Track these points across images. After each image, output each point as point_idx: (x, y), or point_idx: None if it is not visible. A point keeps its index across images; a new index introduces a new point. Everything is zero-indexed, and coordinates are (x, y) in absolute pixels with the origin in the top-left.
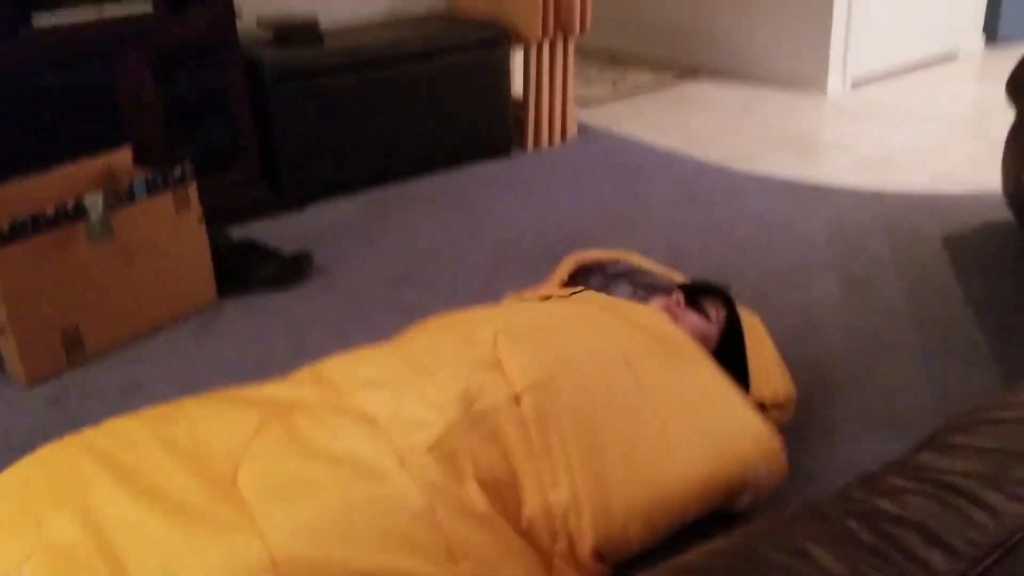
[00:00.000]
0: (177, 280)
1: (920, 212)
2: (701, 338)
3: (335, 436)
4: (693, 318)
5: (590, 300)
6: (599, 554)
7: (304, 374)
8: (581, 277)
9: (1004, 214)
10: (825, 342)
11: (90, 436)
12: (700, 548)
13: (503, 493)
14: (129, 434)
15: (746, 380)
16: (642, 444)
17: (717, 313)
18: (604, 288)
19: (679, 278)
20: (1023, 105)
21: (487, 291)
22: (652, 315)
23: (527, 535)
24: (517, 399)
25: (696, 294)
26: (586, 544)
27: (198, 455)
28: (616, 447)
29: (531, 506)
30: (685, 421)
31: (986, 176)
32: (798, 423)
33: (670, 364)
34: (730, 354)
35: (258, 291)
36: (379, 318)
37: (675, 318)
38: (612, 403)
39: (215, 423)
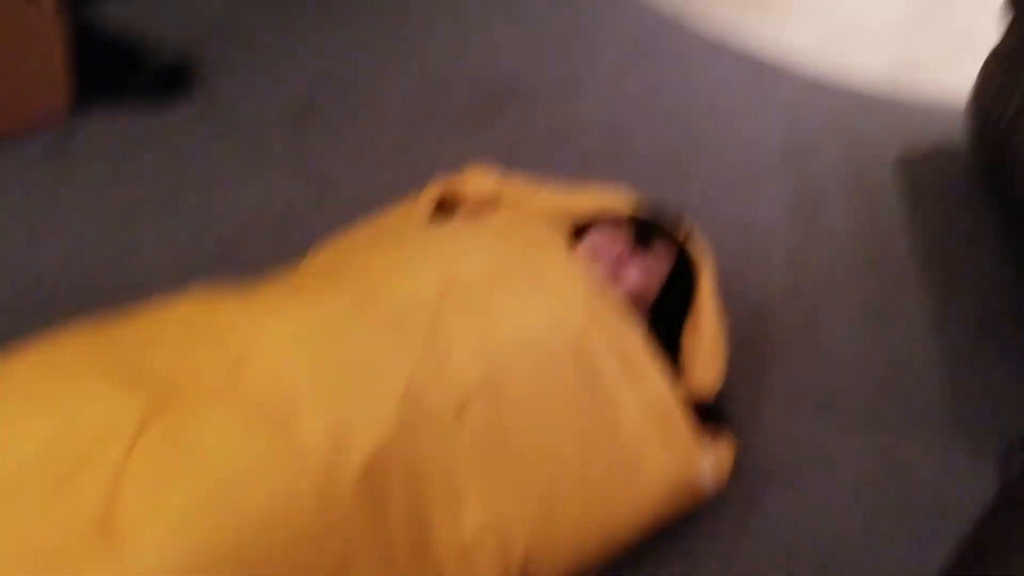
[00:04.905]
0: (22, 87)
1: (876, 118)
2: (644, 292)
3: (235, 442)
4: (636, 273)
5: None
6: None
7: (200, 319)
8: None
9: (960, 133)
10: (767, 278)
11: None
12: None
13: (425, 521)
14: None
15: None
16: (596, 454)
17: (661, 262)
18: None
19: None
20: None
21: (407, 150)
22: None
23: (459, 560)
24: (462, 409)
25: (648, 233)
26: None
27: (66, 473)
28: (570, 460)
29: (471, 526)
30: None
31: (950, 73)
32: (730, 390)
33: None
34: (666, 311)
35: (126, 105)
36: (275, 166)
37: (618, 275)
38: (566, 407)
39: (89, 413)
